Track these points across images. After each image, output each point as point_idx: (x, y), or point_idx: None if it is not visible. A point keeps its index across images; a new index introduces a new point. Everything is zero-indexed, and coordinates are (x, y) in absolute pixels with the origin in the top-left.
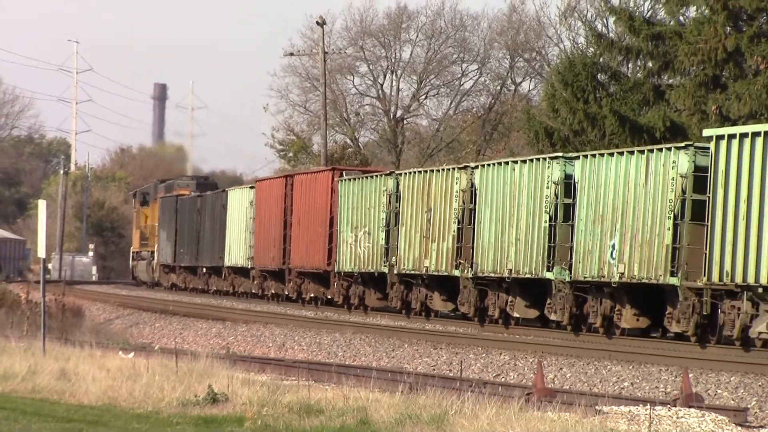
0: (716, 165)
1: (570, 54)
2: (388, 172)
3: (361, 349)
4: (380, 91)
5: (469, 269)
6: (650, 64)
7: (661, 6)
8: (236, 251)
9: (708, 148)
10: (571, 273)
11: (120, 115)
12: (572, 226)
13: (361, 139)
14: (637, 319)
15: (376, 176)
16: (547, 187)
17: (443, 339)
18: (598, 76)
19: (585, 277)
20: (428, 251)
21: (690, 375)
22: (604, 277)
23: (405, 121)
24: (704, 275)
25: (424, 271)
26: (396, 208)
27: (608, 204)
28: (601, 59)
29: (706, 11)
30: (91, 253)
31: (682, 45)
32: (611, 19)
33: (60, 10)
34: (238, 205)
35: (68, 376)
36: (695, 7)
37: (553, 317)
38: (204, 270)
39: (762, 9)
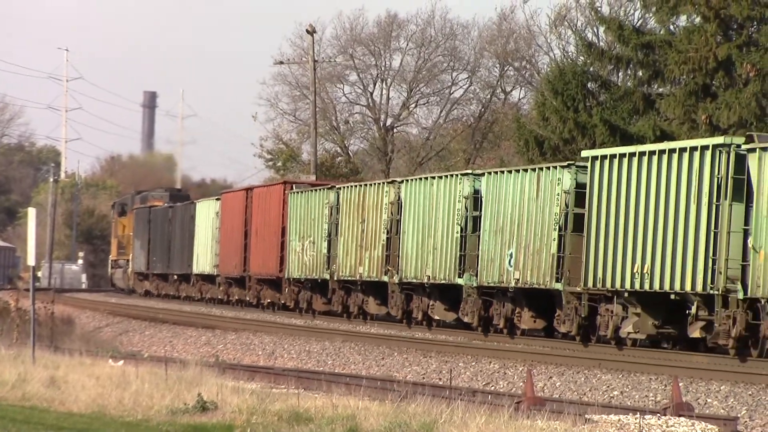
0: (591, 182)
1: (560, 63)
2: (329, 186)
3: (351, 357)
4: (370, 100)
5: (396, 275)
6: (640, 73)
7: (651, 15)
8: (203, 259)
9: (583, 166)
10: (477, 279)
11: (110, 123)
12: (479, 237)
13: (351, 147)
14: (534, 321)
15: (319, 190)
16: (459, 201)
17: (433, 347)
18: (589, 85)
19: (489, 283)
20: (362, 259)
21: (680, 384)
22: (503, 282)
23: (395, 130)
24: (582, 281)
25: (358, 278)
26: (336, 219)
27: (507, 217)
28: (591, 68)
29: (697, 20)
30: (80, 261)
31: (672, 54)
32: (601, 29)
33: (50, 18)
34: (205, 215)
35: (58, 384)
36: (686, 15)
37: (466, 319)
38: (175, 277)
39: (752, 17)
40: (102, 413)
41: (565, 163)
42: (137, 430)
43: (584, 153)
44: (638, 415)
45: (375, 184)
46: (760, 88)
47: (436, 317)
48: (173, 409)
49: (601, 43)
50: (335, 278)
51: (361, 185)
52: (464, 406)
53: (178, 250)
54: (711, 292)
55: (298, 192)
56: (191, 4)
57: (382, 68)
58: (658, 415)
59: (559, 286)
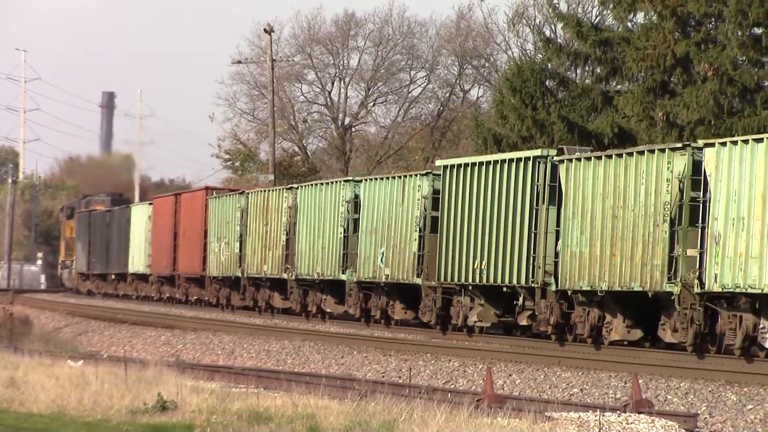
0: (443, 189)
1: (518, 60)
2: (240, 191)
3: (311, 356)
4: (328, 99)
5: (293, 272)
6: (598, 70)
7: (609, 12)
8: (138, 259)
9: (439, 174)
10: (357, 275)
11: (68, 123)
12: (358, 237)
13: (309, 146)
14: (405, 312)
15: (232, 195)
16: (342, 205)
17: (392, 346)
18: (547, 83)
19: (366, 278)
20: (267, 258)
21: (640, 381)
22: (377, 278)
23: (353, 129)
24: (437, 276)
25: (264, 275)
26: (246, 222)
27: (379, 219)
28: (549, 65)
29: (654, 17)
30: (39, 262)
31: (630, 51)
32: (559, 26)
33: (8, 18)
34: (140, 219)
35: (17, 385)
36: (643, 13)
37: (350, 311)
38: (113, 276)
39: (710, 15)
40: (62, 413)
41: (424, 172)
42: (97, 430)
43: (438, 162)
44: (598, 413)
45: (276, 189)
46: (718, 86)
47: (328, 310)
48: (133, 409)
49: (559, 40)
50: (245, 275)
51: (265, 191)
52: (424, 405)
53: (116, 251)
54: (532, 285)
55: (216, 197)
56: (149, 4)
57: (340, 67)
58: (619, 412)
59: (419, 280)
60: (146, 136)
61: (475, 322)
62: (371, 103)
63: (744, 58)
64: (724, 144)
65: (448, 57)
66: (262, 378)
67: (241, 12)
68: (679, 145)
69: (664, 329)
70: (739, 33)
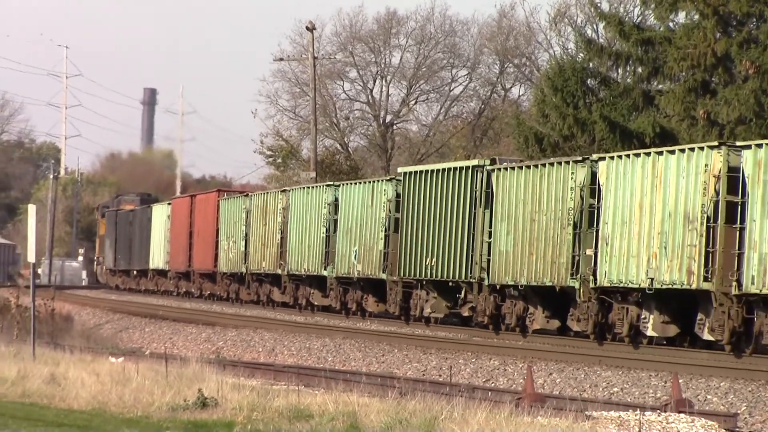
0: (403, 193)
1: (560, 59)
2: (246, 193)
3: (351, 354)
4: (370, 97)
5: (285, 268)
6: (640, 69)
7: (651, 11)
8: (158, 256)
9: (400, 180)
10: (336, 271)
11: (109, 119)
12: (337, 236)
13: (350, 144)
14: (377, 305)
15: (239, 197)
16: (324, 207)
17: (433, 344)
18: (588, 82)
19: (342, 274)
20: (265, 255)
21: (680, 380)
22: (351, 274)
23: (395, 127)
24: (398, 272)
25: (263, 271)
26: (249, 221)
27: (353, 220)
28: (590, 64)
29: (696, 16)
30: (80, 258)
31: (671, 50)
32: (601, 25)
33: (50, 15)
34: (160, 218)
35: (58, 381)
36: (685, 12)
37: (332, 304)
38: (135, 272)
39: (751, 14)
40: (102, 410)
41: (389, 177)
42: (137, 427)
43: (399, 169)
44: (638, 412)
45: (273, 192)
46: (759, 85)
47: (316, 303)
48: (173, 406)
49: (601, 40)
50: (249, 271)
51: (264, 193)
52: (464, 403)
53: (138, 248)
54: (470, 280)
55: (225, 199)
56: (192, 2)
57: (382, 65)
58: (658, 411)
59: (384, 276)
60: (187, 133)
61: (430, 313)
62: (413, 101)
63: None
64: (612, 158)
65: (489, 55)
66: (303, 375)
67: (284, 10)
68: (580, 158)
69: (573, 320)
70: None
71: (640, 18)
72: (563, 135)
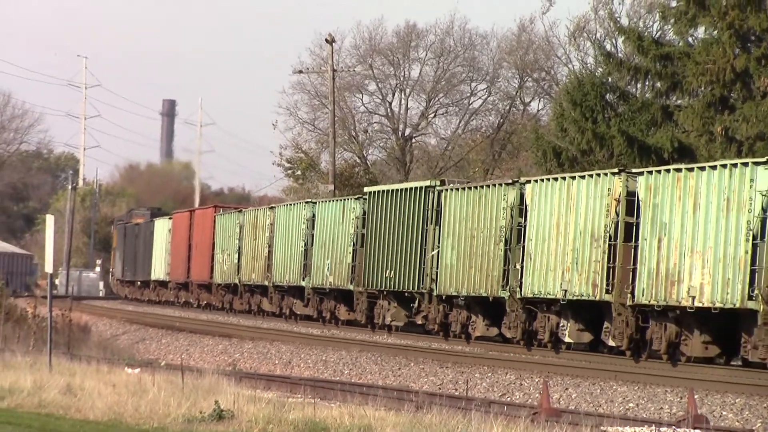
0: (368, 211)
1: (579, 74)
2: (239, 209)
3: (367, 367)
4: (389, 110)
5: (271, 280)
6: (659, 84)
7: (670, 27)
8: (159, 268)
9: (366, 199)
10: (312, 282)
11: (128, 130)
12: (313, 250)
13: (369, 157)
14: (349, 313)
15: (233, 212)
16: (303, 223)
17: (449, 358)
18: (607, 96)
19: (317, 285)
20: (255, 267)
21: (695, 396)
22: (324, 285)
23: (413, 140)
24: (363, 284)
25: (252, 282)
26: (242, 236)
27: (327, 235)
28: (609, 79)
29: (715, 32)
30: (98, 269)
31: (690, 65)
32: (620, 40)
33: (69, 25)
34: (161, 231)
35: (74, 391)
36: (704, 27)
37: (309, 313)
38: (139, 283)
39: None
40: (118, 421)
41: (357, 196)
42: None
43: (366, 189)
44: (654, 427)
45: (262, 209)
46: None
47: (298, 312)
48: (189, 418)
49: (620, 54)
50: (241, 282)
51: (255, 210)
52: (480, 417)
53: (141, 260)
54: (422, 291)
55: (221, 214)
56: (210, 13)
57: (401, 78)
58: (674, 427)
59: (351, 287)
60: (206, 145)
61: (391, 321)
62: (432, 115)
63: None
64: (536, 181)
65: (508, 69)
66: (319, 388)
67: (303, 22)
68: (511, 181)
69: (506, 327)
70: None
71: (659, 33)
72: (582, 149)
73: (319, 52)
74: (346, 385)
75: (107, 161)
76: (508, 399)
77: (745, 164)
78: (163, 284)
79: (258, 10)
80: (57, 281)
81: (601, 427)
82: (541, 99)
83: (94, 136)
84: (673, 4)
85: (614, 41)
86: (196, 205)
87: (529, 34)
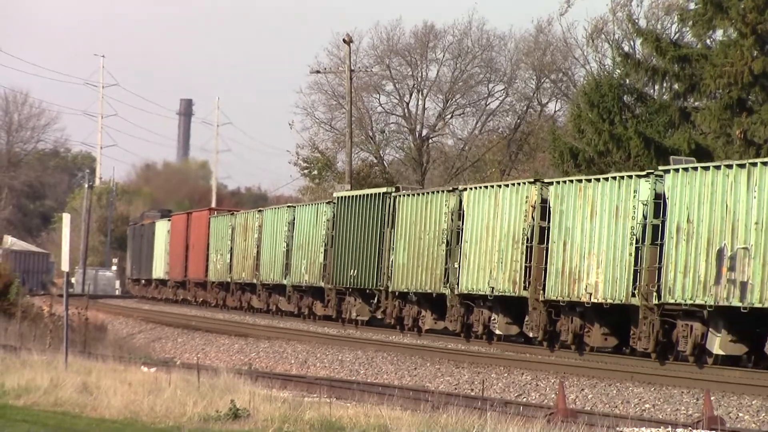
0: (336, 214)
1: (596, 75)
2: (232, 212)
3: (383, 367)
4: (406, 110)
5: (259, 278)
6: (676, 86)
7: (688, 29)
8: (159, 267)
9: (335, 203)
10: (292, 280)
11: (145, 130)
12: (292, 251)
13: (386, 157)
14: (324, 309)
15: (226, 215)
16: (285, 226)
17: (466, 358)
18: (624, 98)
19: (296, 283)
20: (245, 267)
21: (712, 398)
22: (301, 283)
23: (430, 140)
24: (332, 282)
25: (242, 280)
26: (234, 237)
27: (303, 236)
28: (627, 81)
29: (734, 34)
30: (114, 268)
31: (708, 67)
32: (638, 41)
33: (87, 24)
34: (162, 232)
35: (90, 390)
36: (722, 30)
37: (290, 309)
38: (143, 281)
39: None
40: (134, 419)
41: (328, 201)
42: None
43: (335, 194)
44: (670, 429)
45: (251, 212)
46: None
47: (282, 309)
48: (205, 416)
49: (638, 56)
50: (233, 281)
51: (246, 213)
52: (497, 417)
53: (146, 259)
54: (380, 288)
55: (216, 217)
56: (229, 13)
57: (419, 78)
58: (690, 428)
59: (323, 284)
60: (223, 144)
61: (356, 316)
62: (449, 115)
63: None
64: (472, 188)
65: (526, 70)
66: (335, 388)
67: (321, 22)
68: (451, 188)
69: (449, 321)
70: None
71: (677, 35)
72: (599, 151)
73: (336, 52)
74: (362, 384)
75: (124, 160)
76: (525, 400)
77: (630, 177)
78: (163, 282)
79: (276, 10)
80: (73, 280)
81: (617, 428)
82: (559, 100)
83: (110, 135)
84: (692, 6)
85: (632, 43)
86: (213, 204)
87: (546, 35)
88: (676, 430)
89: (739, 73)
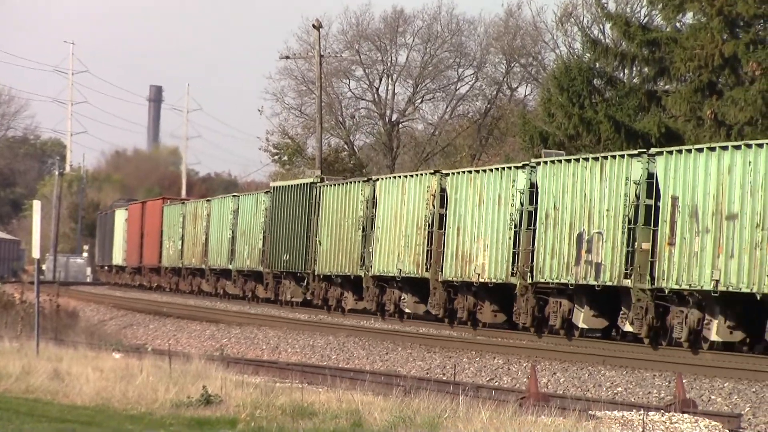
0: (272, 204)
1: (566, 59)
2: (182, 201)
3: (355, 352)
4: (376, 95)
5: (208, 263)
6: (646, 69)
7: (657, 12)
8: (118, 254)
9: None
10: (271, 267)
11: (115, 116)
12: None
13: (356, 142)
14: (265, 292)
15: (178, 204)
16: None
17: (437, 343)
18: (594, 82)
19: (241, 268)
20: (194, 253)
21: (684, 381)
22: (244, 267)
23: (400, 125)
24: (269, 266)
25: (193, 266)
26: (184, 225)
27: (245, 224)
28: (596, 65)
29: (703, 18)
30: (85, 254)
31: (678, 51)
32: (607, 25)
33: (56, 11)
34: (120, 221)
35: (62, 377)
36: (692, 13)
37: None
38: (106, 267)
39: (759, 15)
40: (106, 406)
41: (266, 191)
42: (141, 423)
43: (271, 184)
44: (642, 412)
45: (201, 201)
46: (766, 86)
47: (229, 292)
48: (177, 403)
49: (607, 40)
50: (183, 266)
51: (195, 202)
52: (468, 402)
53: (107, 246)
54: (308, 271)
55: (168, 205)
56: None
57: (388, 64)
58: (662, 411)
59: (262, 268)
60: (193, 130)
61: (291, 298)
62: (419, 100)
63: None
64: (383, 179)
65: (496, 55)
66: (307, 373)
67: (290, 7)
68: (366, 179)
69: (366, 300)
70: None
71: (647, 18)
72: (569, 135)
73: (306, 37)
74: (333, 370)
75: (94, 147)
76: (496, 384)
77: (509, 168)
78: (122, 269)
79: None
80: (44, 267)
81: (589, 412)
82: (529, 84)
83: (81, 121)
84: None
85: (601, 27)
86: (183, 190)
87: (516, 19)
88: (649, 413)
89: (709, 56)
